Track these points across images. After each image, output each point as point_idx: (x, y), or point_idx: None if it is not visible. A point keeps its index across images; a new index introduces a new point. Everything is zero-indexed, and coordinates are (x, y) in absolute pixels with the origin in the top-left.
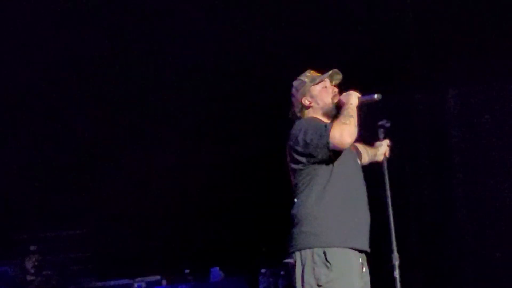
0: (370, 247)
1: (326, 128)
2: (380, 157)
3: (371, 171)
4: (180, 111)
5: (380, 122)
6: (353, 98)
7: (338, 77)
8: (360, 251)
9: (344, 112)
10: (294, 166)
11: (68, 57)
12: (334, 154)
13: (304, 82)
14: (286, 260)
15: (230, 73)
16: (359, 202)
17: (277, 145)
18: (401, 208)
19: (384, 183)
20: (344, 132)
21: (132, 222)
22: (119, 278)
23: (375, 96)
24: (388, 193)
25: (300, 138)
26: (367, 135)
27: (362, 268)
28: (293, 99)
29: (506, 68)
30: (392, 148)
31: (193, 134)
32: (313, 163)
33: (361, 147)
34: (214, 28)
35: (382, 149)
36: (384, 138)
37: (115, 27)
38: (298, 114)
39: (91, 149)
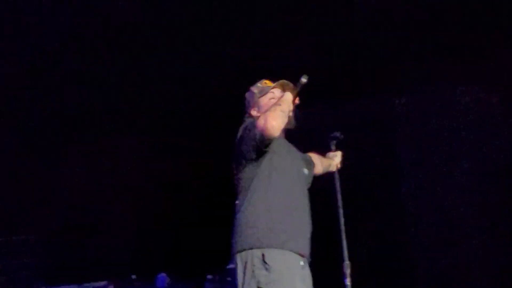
0: (321, 255)
1: (254, 120)
2: (333, 168)
3: (324, 180)
4: (131, 124)
5: (333, 134)
6: (286, 94)
7: (289, 87)
8: (301, 255)
9: (274, 105)
10: (235, 169)
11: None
12: (265, 143)
13: (253, 94)
14: (229, 266)
15: (186, 87)
16: (300, 208)
17: (221, 155)
18: (353, 217)
19: (336, 193)
20: (268, 117)
21: (79, 228)
22: (67, 283)
23: (302, 79)
24: (340, 202)
25: (238, 139)
26: (318, 146)
27: (305, 271)
28: (246, 108)
29: (452, 72)
30: (343, 158)
31: (137, 144)
32: (254, 160)
33: (315, 157)
34: (173, 47)
35: (336, 160)
36: (337, 149)
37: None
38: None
39: (42, 156)
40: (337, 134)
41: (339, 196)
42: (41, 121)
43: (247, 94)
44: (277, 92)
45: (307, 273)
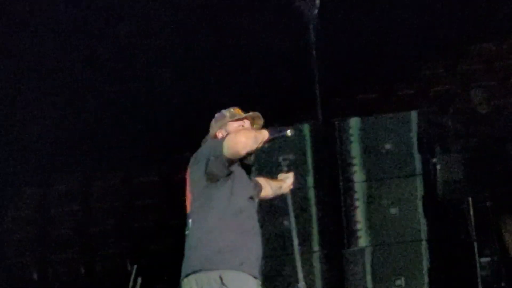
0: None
1: (222, 139)
2: (286, 189)
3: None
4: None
5: (285, 156)
6: (263, 131)
7: (260, 122)
8: (255, 278)
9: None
10: (191, 187)
11: None
12: (231, 159)
13: (224, 116)
14: None
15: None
16: (254, 231)
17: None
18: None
19: (289, 214)
20: (237, 138)
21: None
22: None
23: (288, 132)
24: (294, 224)
25: (201, 157)
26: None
27: None
28: (210, 128)
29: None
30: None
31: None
32: (212, 180)
33: (262, 180)
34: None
35: (288, 181)
36: (288, 170)
37: None
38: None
39: None
40: (289, 155)
41: (292, 218)
42: None
43: (217, 114)
44: (247, 123)
45: None
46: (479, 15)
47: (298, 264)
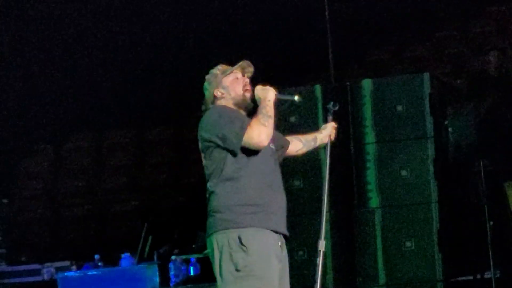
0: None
1: (244, 124)
2: (324, 140)
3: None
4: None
5: (328, 105)
6: (270, 93)
7: (250, 69)
8: (278, 233)
9: (263, 110)
10: (205, 152)
11: None
12: (244, 149)
13: (216, 75)
14: (205, 252)
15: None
16: (274, 185)
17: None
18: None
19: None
20: (262, 134)
21: (40, 206)
22: (28, 263)
23: (296, 98)
24: (327, 175)
25: (212, 124)
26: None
27: (281, 251)
28: (205, 92)
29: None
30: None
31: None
32: (223, 149)
33: (292, 137)
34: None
35: (326, 131)
36: (332, 120)
37: None
38: (211, 106)
39: None
40: (331, 104)
41: (327, 168)
42: None
43: (207, 76)
44: (239, 74)
45: (284, 254)
46: None
47: (323, 221)
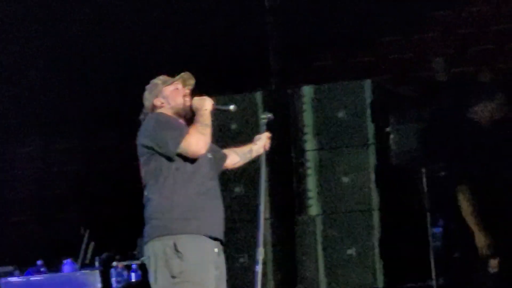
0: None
1: (182, 132)
2: (258, 151)
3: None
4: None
5: (263, 115)
6: (207, 103)
7: (191, 82)
8: (215, 239)
9: (200, 119)
10: (142, 158)
11: None
12: (181, 157)
13: (156, 84)
14: (142, 259)
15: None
16: (211, 194)
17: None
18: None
19: (260, 178)
20: (200, 142)
21: None
22: None
23: (231, 107)
24: (263, 185)
25: (150, 130)
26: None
27: (218, 257)
28: (145, 101)
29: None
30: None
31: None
32: (161, 155)
33: (228, 150)
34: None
35: (260, 142)
36: (266, 131)
37: None
38: (150, 114)
39: None
40: (265, 115)
41: (262, 179)
42: None
43: (148, 86)
44: (179, 85)
45: (221, 260)
46: None
47: (261, 229)
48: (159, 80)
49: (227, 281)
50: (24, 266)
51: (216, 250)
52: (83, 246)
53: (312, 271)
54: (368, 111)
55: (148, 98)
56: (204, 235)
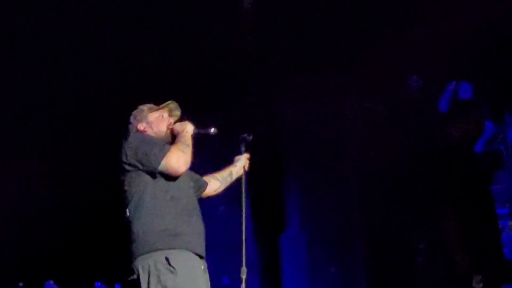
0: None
1: (164, 148)
2: (240, 171)
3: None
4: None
5: (242, 136)
6: (188, 127)
7: (177, 112)
8: (200, 257)
9: (182, 139)
10: (125, 178)
11: None
12: (163, 176)
13: (142, 110)
14: (130, 278)
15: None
16: (192, 213)
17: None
18: None
19: (241, 195)
20: (181, 160)
21: None
22: None
23: (211, 130)
24: (244, 206)
25: (132, 148)
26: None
27: (204, 274)
28: (130, 126)
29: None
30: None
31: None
32: (143, 173)
33: (208, 176)
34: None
35: (240, 163)
36: (245, 151)
37: None
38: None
39: None
40: (245, 135)
41: (244, 199)
42: None
43: (134, 111)
44: (165, 114)
45: (206, 277)
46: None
47: (243, 247)
48: (145, 106)
49: None
50: (5, 287)
51: (202, 267)
52: None
53: None
54: None
55: (133, 122)
56: (191, 252)
